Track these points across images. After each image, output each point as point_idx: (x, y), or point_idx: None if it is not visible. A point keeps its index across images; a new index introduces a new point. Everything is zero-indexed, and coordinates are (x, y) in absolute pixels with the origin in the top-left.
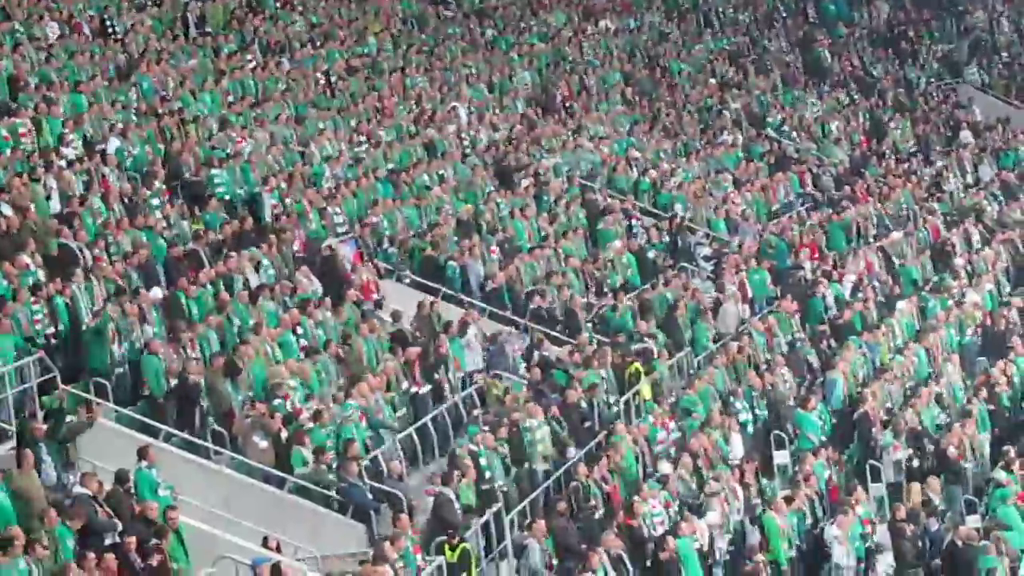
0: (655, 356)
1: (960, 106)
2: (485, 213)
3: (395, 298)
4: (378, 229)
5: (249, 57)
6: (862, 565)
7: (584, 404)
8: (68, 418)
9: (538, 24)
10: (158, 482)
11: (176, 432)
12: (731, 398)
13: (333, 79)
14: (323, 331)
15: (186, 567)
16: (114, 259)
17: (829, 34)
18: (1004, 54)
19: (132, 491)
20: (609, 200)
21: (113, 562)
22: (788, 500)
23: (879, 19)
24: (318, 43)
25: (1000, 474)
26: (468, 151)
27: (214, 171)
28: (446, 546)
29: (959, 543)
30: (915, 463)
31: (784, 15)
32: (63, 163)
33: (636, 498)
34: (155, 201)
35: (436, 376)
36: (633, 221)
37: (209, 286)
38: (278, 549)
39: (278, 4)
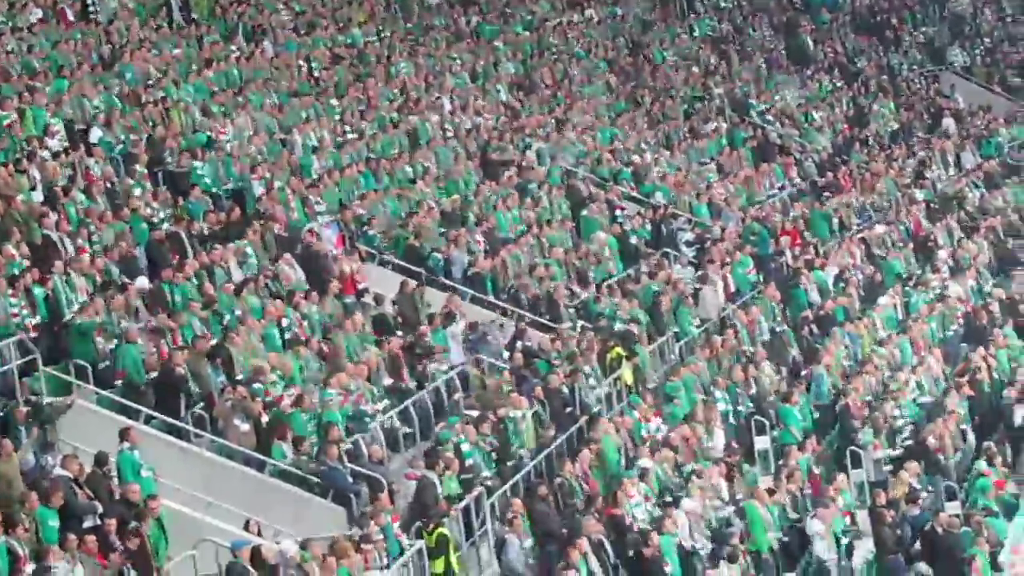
0: (636, 339)
1: (942, 94)
2: (473, 205)
3: (378, 282)
4: (361, 218)
5: (234, 47)
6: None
7: (566, 389)
8: (48, 400)
9: (523, 13)
10: (141, 464)
11: (156, 415)
12: (712, 388)
13: (315, 68)
14: (308, 323)
15: (166, 550)
16: (95, 252)
17: (813, 20)
18: (987, 40)
19: (112, 473)
20: (593, 189)
21: (94, 544)
22: (771, 492)
23: (862, 4)
24: (302, 31)
25: (981, 464)
26: (451, 140)
27: (196, 163)
28: (424, 531)
29: (939, 530)
30: (893, 457)
31: (769, 1)
32: (46, 154)
33: (620, 491)
34: (137, 191)
35: (418, 368)
36: (617, 211)
37: (193, 278)
38: (259, 532)
39: None
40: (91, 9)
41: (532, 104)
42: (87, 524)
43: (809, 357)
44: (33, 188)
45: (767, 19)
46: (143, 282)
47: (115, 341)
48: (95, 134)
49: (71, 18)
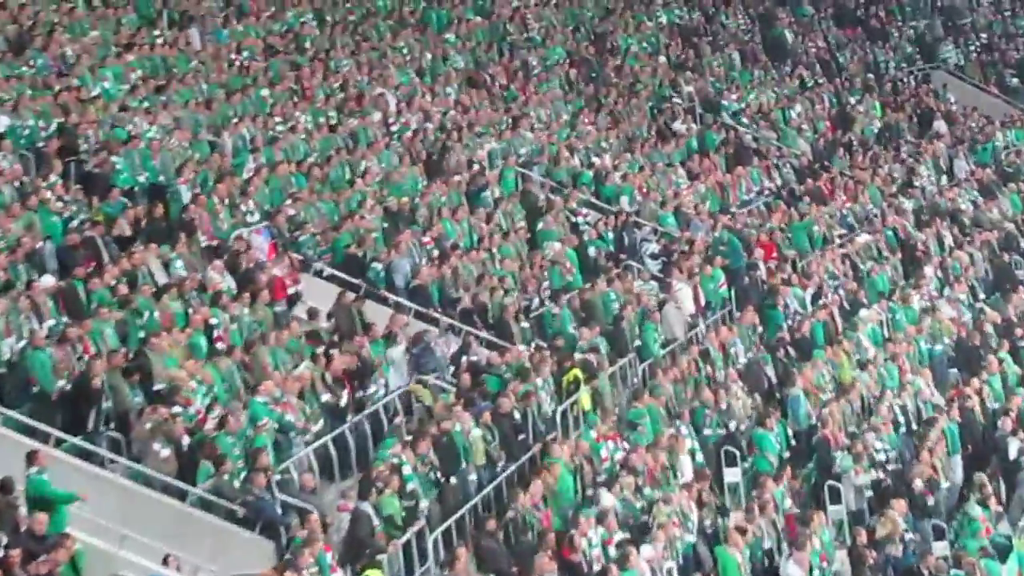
0: (596, 367)
1: (934, 94)
2: (421, 208)
3: (312, 294)
4: (295, 219)
5: (156, 32)
6: None
7: (518, 414)
8: None
9: None
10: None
11: (67, 437)
12: (678, 422)
13: (245, 58)
14: (238, 326)
15: None
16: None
17: (792, 12)
18: (983, 36)
19: (18, 502)
20: (551, 196)
21: None
22: (742, 531)
23: None
24: (233, 19)
25: (975, 509)
26: (395, 140)
27: (114, 158)
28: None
29: (926, 573)
30: (874, 484)
31: None
32: None
33: (575, 531)
34: (49, 192)
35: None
36: (579, 218)
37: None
38: (179, 568)
39: None
40: None
41: (483, 100)
42: None
43: (785, 380)
44: None
45: (742, 8)
46: (49, 281)
47: (23, 342)
48: (2, 122)
49: None
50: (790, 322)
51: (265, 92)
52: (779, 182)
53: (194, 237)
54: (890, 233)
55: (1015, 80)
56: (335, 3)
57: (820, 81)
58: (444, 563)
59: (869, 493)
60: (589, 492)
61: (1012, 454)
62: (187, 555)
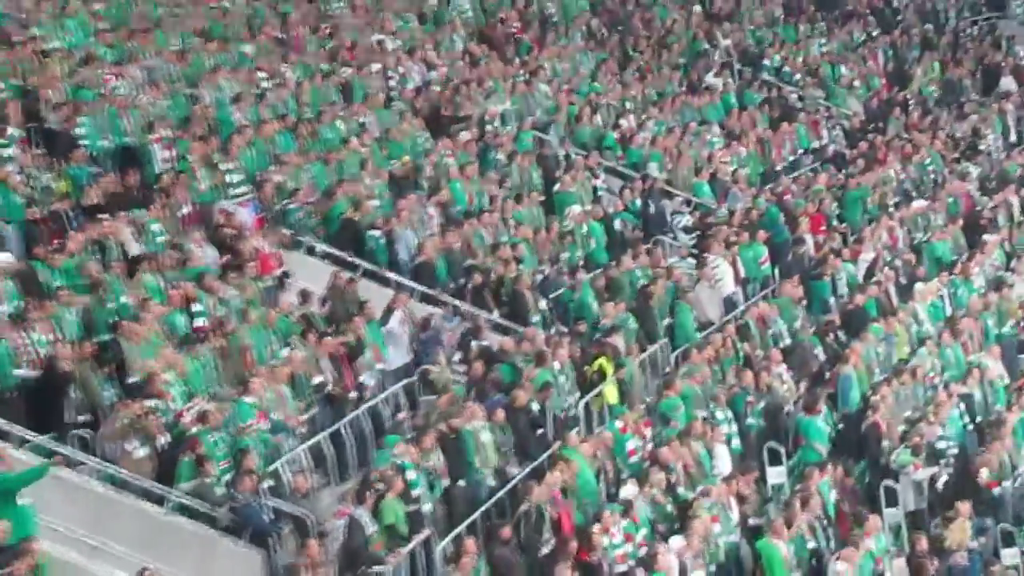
0: (623, 352)
1: (1000, 47)
2: (425, 169)
3: (304, 273)
4: (283, 188)
5: None
6: None
7: (536, 407)
8: None
9: None
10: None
11: (31, 436)
12: (712, 405)
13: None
14: (227, 311)
15: None
16: None
17: None
18: None
19: None
20: (571, 155)
21: None
22: (788, 523)
23: None
24: None
25: None
26: (395, 95)
27: (79, 118)
28: None
29: None
30: (940, 484)
31: None
32: None
33: (595, 528)
34: (8, 151)
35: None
36: (598, 182)
37: (76, 256)
38: None
39: None
40: None
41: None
42: None
43: (834, 362)
44: None
45: None
46: (7, 258)
47: None
48: None
49: None
50: (841, 298)
51: (248, 48)
52: (828, 144)
53: (171, 201)
54: (951, 201)
55: None
56: None
57: (874, 34)
58: (451, 558)
59: (928, 492)
60: (613, 491)
61: None
62: (166, 567)
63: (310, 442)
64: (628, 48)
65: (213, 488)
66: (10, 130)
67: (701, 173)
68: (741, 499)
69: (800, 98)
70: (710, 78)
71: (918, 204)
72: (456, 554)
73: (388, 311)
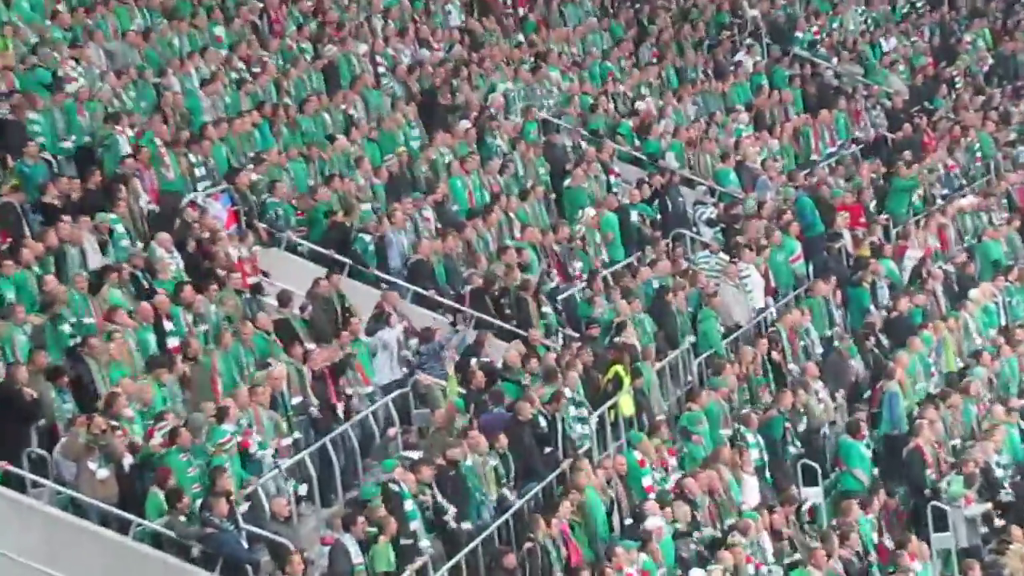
0: (639, 356)
1: None
2: (420, 164)
3: (282, 274)
4: (258, 185)
5: None
6: None
7: (543, 422)
8: None
9: None
10: None
11: None
12: (743, 428)
13: None
14: (206, 326)
15: None
16: None
17: None
18: None
19: None
20: (581, 145)
21: None
22: (828, 554)
23: None
24: None
25: None
26: (385, 79)
27: (31, 114)
28: None
29: None
30: (996, 521)
31: None
32: None
33: (608, 565)
34: None
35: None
36: (612, 177)
37: (35, 267)
38: None
39: None
40: None
41: (495, 30)
42: None
43: (877, 376)
44: None
45: None
46: None
47: None
48: None
49: None
50: (884, 302)
51: (219, 30)
52: (869, 130)
53: (130, 188)
54: (1007, 194)
55: None
56: None
57: (919, 5)
58: None
59: (984, 528)
60: (628, 522)
61: None
62: None
63: (292, 460)
64: (643, 20)
65: (187, 527)
66: None
67: (727, 159)
68: (777, 535)
69: (836, 75)
70: (738, 57)
71: (967, 201)
72: None
73: (378, 314)
